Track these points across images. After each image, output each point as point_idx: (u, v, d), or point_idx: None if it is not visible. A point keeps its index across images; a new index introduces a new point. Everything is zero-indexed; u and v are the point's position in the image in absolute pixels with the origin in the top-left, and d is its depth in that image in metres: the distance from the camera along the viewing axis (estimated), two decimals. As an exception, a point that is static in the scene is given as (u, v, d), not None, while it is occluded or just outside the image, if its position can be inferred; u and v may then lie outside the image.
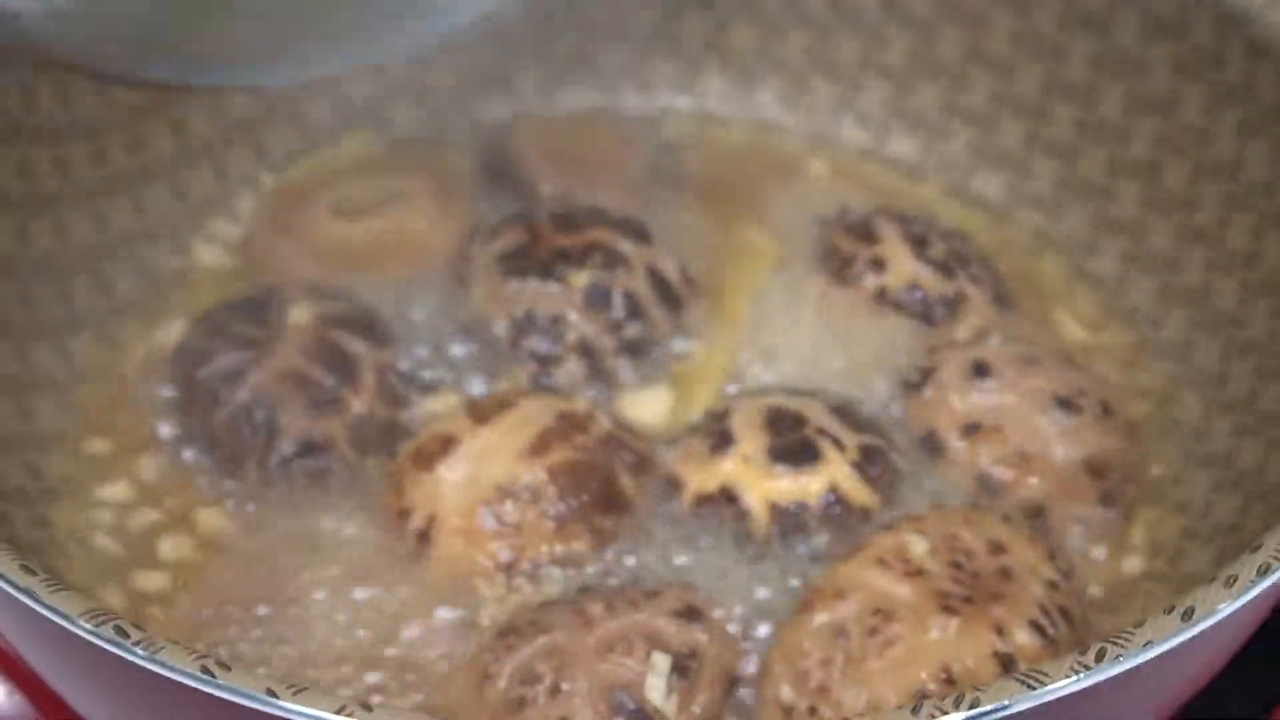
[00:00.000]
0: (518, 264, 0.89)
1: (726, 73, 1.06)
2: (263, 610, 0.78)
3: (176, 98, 0.95)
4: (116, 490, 0.84)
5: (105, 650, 0.60)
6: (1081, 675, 0.58)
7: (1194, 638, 0.60)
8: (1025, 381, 0.84)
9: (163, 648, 0.59)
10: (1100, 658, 0.59)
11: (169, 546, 0.81)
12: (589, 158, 1.00)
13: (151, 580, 0.80)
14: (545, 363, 0.87)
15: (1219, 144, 0.88)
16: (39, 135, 0.88)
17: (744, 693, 0.74)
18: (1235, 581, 0.61)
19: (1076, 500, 0.82)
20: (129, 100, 0.93)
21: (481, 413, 0.82)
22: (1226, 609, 0.60)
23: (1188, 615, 0.60)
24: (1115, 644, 0.59)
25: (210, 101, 0.97)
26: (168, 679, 0.59)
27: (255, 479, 0.83)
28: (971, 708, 0.57)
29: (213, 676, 0.58)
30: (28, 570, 0.62)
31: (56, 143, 0.89)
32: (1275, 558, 0.62)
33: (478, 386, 0.88)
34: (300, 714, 0.57)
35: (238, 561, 0.80)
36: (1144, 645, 0.59)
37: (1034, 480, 0.82)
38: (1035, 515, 0.81)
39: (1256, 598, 0.61)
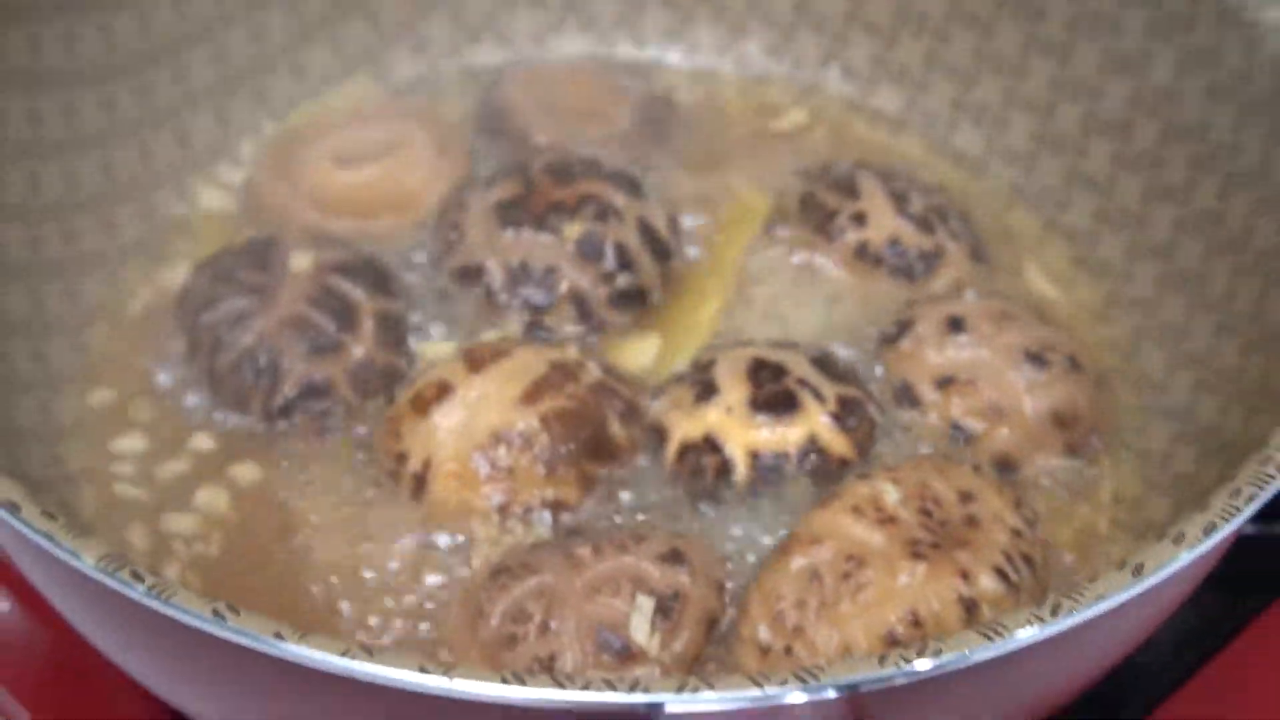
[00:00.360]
0: (513, 214, 0.91)
1: (717, 24, 1.08)
2: (267, 548, 0.81)
3: (180, 45, 0.97)
4: (129, 437, 0.86)
5: (120, 594, 0.63)
6: (1037, 627, 0.62)
7: (1144, 592, 0.63)
8: (999, 336, 0.87)
9: (175, 593, 0.62)
10: (1055, 611, 0.62)
11: (175, 484, 0.84)
12: (582, 107, 1.02)
13: (166, 521, 0.83)
14: (539, 311, 0.90)
15: (1188, 106, 0.91)
16: (47, 83, 0.91)
17: (723, 632, 0.77)
18: (1183, 539, 0.64)
19: (1045, 450, 0.85)
20: (134, 48, 0.95)
21: (477, 361, 0.84)
22: (1174, 565, 0.64)
23: (1138, 571, 0.63)
24: (1070, 598, 0.62)
25: (213, 49, 0.99)
26: (180, 622, 0.61)
27: (259, 421, 0.86)
28: (935, 656, 0.61)
29: (223, 620, 0.61)
30: (48, 515, 0.65)
31: (64, 90, 0.92)
32: (1221, 517, 0.65)
33: (473, 334, 0.90)
34: (306, 657, 0.60)
35: (244, 500, 0.83)
36: (1096, 599, 0.62)
37: (1004, 431, 0.85)
38: (1005, 465, 0.85)
39: (1203, 554, 0.65)
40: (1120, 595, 0.63)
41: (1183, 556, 0.64)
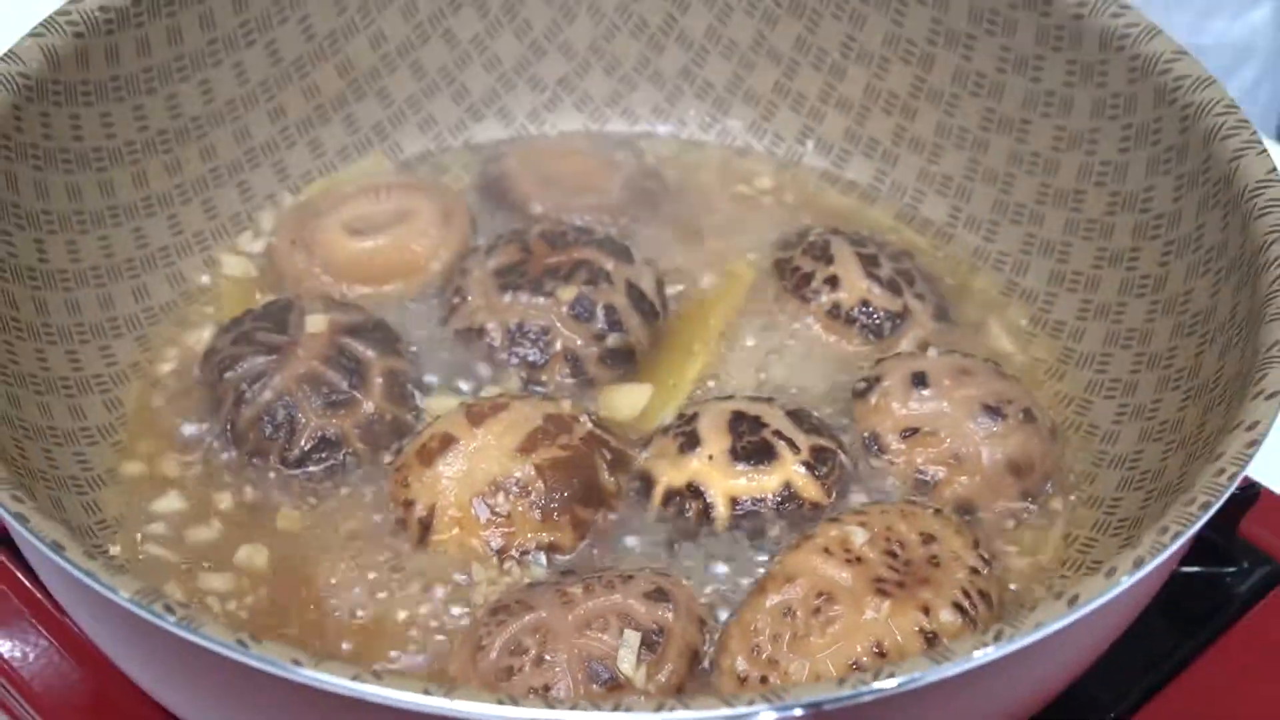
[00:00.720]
0: (511, 279, 0.96)
1: (702, 103, 1.13)
2: (288, 593, 0.86)
3: (206, 124, 1.03)
4: (162, 490, 0.91)
5: (154, 625, 0.68)
6: (982, 652, 0.67)
7: (1079, 620, 0.69)
8: (959, 390, 0.91)
9: (204, 623, 0.67)
10: (999, 637, 0.67)
11: (205, 541, 0.89)
12: (576, 179, 1.06)
13: (202, 579, 0.87)
14: (535, 368, 0.95)
15: (1131, 178, 0.96)
16: (86, 160, 0.96)
17: (705, 664, 0.82)
18: (1114, 572, 0.70)
19: (1002, 495, 0.90)
20: (164, 128, 1.01)
21: (477, 414, 0.89)
22: (1106, 596, 0.69)
23: (1073, 601, 0.68)
24: (1011, 625, 0.68)
25: (236, 127, 1.04)
26: (208, 650, 0.67)
27: (277, 471, 0.91)
28: (889, 678, 0.66)
29: (246, 647, 0.66)
30: (89, 555, 0.70)
31: (102, 166, 0.97)
32: (1149, 552, 0.70)
33: (475, 390, 0.95)
34: (321, 680, 0.65)
35: (266, 545, 0.88)
36: (1035, 626, 0.68)
37: (964, 478, 0.90)
38: (965, 509, 0.89)
39: (1132, 587, 0.70)
40: (1056, 623, 0.68)
41: (1114, 588, 0.69)
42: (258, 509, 0.90)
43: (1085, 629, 0.72)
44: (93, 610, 0.76)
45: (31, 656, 0.91)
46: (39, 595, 0.93)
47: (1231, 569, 0.96)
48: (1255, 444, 0.74)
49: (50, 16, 0.94)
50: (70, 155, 0.96)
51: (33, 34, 0.94)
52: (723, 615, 0.84)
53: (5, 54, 0.92)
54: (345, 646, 0.84)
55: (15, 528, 0.73)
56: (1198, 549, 0.93)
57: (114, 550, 0.88)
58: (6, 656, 0.91)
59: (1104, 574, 0.70)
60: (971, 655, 0.67)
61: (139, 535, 0.89)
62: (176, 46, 1.00)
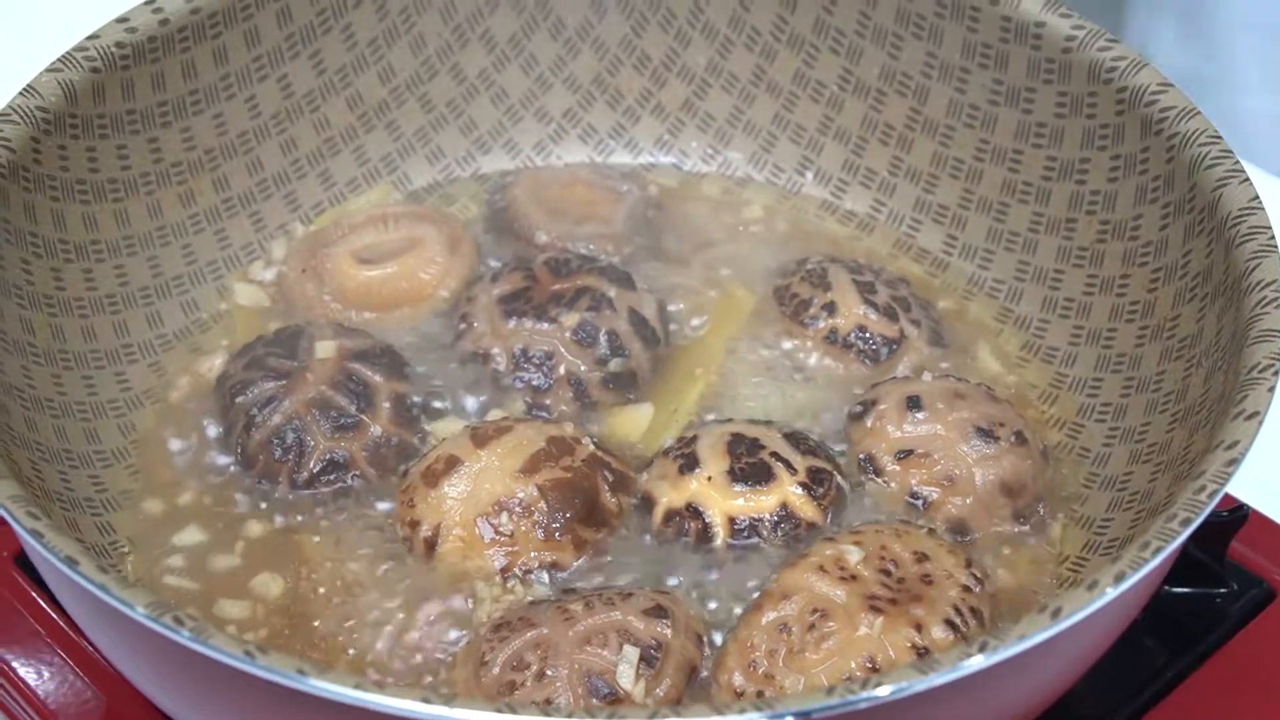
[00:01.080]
0: (516, 305, 0.99)
1: (704, 135, 1.15)
2: (294, 607, 0.88)
3: (220, 156, 1.06)
4: (170, 512, 0.93)
5: (166, 638, 0.70)
6: (968, 663, 0.69)
7: (1062, 632, 0.70)
8: (952, 414, 0.93)
9: (213, 635, 0.69)
10: (984, 648, 0.69)
11: (222, 570, 0.90)
12: (581, 209, 1.08)
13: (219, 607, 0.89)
14: (538, 392, 0.97)
15: (1121, 207, 0.98)
16: (102, 192, 0.99)
17: (703, 679, 0.83)
18: (1096, 585, 0.71)
19: (994, 516, 0.92)
20: (180, 159, 1.03)
21: (482, 437, 0.91)
22: (1088, 609, 0.71)
23: (1056, 613, 0.70)
24: (997, 637, 0.69)
25: (249, 160, 1.07)
26: (218, 661, 0.69)
27: (286, 493, 0.93)
28: (876, 687, 0.68)
29: (253, 658, 0.68)
30: (102, 570, 0.72)
31: (117, 197, 1.00)
32: (1130, 566, 0.72)
33: (479, 413, 0.97)
34: (325, 690, 0.67)
35: (276, 565, 0.90)
36: (1019, 638, 0.69)
37: (957, 499, 0.91)
38: (958, 528, 0.91)
39: (1115, 600, 0.72)
40: (1040, 635, 0.70)
41: (1096, 601, 0.71)
42: (267, 530, 0.92)
43: (1070, 641, 0.73)
44: (106, 625, 0.78)
45: (46, 675, 0.92)
46: (54, 614, 0.95)
47: (1222, 590, 0.97)
48: (1235, 463, 0.76)
49: (68, 52, 0.97)
50: (87, 186, 0.98)
51: (51, 69, 0.96)
52: (720, 632, 0.86)
53: (24, 89, 0.95)
54: (351, 663, 0.85)
55: (31, 544, 0.75)
56: (1188, 570, 0.95)
57: (129, 572, 0.90)
58: (22, 675, 0.93)
59: (1086, 587, 0.72)
60: (958, 666, 0.69)
61: (154, 556, 0.91)
62: (191, 81, 1.02)
